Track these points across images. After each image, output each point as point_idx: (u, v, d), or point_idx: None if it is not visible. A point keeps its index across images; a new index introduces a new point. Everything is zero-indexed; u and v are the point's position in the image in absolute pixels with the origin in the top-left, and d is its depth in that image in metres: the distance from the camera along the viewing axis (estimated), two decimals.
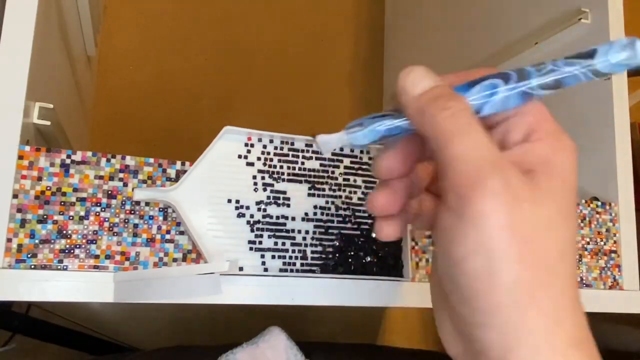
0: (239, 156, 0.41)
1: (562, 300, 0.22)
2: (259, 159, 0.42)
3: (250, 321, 0.54)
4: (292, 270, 0.41)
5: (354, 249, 0.43)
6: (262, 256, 0.41)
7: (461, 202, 0.22)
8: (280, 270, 0.41)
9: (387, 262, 0.44)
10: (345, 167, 0.44)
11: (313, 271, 0.42)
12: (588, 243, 0.51)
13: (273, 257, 0.41)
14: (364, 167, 0.45)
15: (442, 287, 0.25)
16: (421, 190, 0.29)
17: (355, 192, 0.44)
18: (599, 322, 0.87)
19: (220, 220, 0.40)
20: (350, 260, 0.43)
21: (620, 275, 0.52)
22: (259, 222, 0.41)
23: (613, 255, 0.52)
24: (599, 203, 0.53)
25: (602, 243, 0.52)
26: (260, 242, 0.41)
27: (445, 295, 0.25)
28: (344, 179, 0.44)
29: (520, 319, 0.21)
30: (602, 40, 0.59)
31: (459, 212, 0.22)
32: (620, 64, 0.23)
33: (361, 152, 0.45)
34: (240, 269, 0.40)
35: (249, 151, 0.42)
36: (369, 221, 0.44)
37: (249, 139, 0.42)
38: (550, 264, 0.22)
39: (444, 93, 0.24)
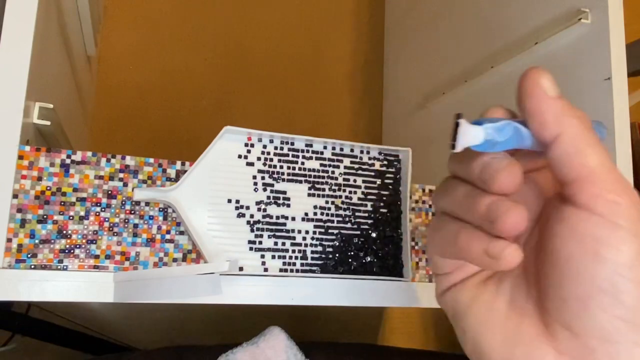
0: (239, 156, 0.41)
1: None
2: (259, 158, 0.42)
3: (250, 321, 0.54)
4: (292, 270, 0.41)
5: (354, 249, 0.43)
6: (262, 256, 0.41)
7: (606, 210, 0.21)
8: (280, 270, 0.41)
9: (387, 262, 0.44)
10: (346, 167, 0.44)
11: (313, 271, 0.42)
12: None
13: (273, 257, 0.41)
14: (364, 167, 0.45)
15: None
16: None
17: (355, 192, 0.44)
18: None
19: (220, 220, 0.40)
20: (350, 260, 0.43)
21: None
22: (259, 222, 0.41)
23: None
24: None
25: None
26: (260, 242, 0.41)
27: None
28: (344, 179, 0.44)
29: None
30: (602, 41, 0.59)
31: (611, 218, 0.21)
32: None
33: (361, 152, 0.45)
34: (240, 269, 0.40)
35: (249, 151, 0.42)
36: (369, 221, 0.44)
37: (249, 138, 0.42)
38: None
39: (569, 103, 0.22)
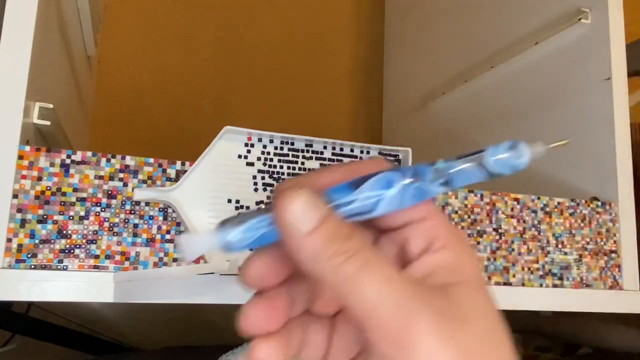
0: (239, 156, 0.41)
1: None
2: (259, 159, 0.42)
3: None
4: None
5: None
6: None
7: (397, 350, 0.19)
8: None
9: None
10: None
11: None
12: (588, 243, 0.51)
13: None
14: None
15: None
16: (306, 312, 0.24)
17: None
18: (599, 322, 0.87)
19: (220, 220, 0.40)
20: None
21: (620, 275, 0.52)
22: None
23: (613, 255, 0.52)
24: (599, 203, 0.53)
25: (602, 243, 0.52)
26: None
27: None
28: None
29: None
30: (602, 41, 0.59)
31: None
32: (505, 164, 0.22)
33: (361, 152, 0.45)
34: (240, 268, 0.40)
35: (248, 151, 0.42)
36: None
37: (249, 138, 0.42)
38: None
39: (335, 230, 0.20)
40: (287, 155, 0.43)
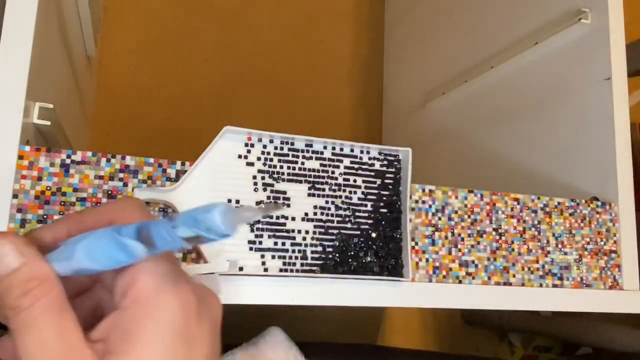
0: (239, 156, 0.41)
1: None
2: (259, 159, 0.42)
3: (250, 321, 0.54)
4: (292, 270, 0.41)
5: (354, 249, 0.43)
6: (262, 256, 0.41)
7: None
8: (280, 270, 0.41)
9: (387, 262, 0.44)
10: (345, 167, 0.44)
11: (313, 271, 0.42)
12: (588, 243, 0.51)
13: (273, 257, 0.41)
14: (364, 167, 0.45)
15: None
16: None
17: (355, 192, 0.44)
18: (599, 322, 0.87)
19: None
20: (350, 260, 0.43)
21: (620, 275, 0.52)
22: (259, 221, 0.41)
23: (613, 255, 0.52)
24: (599, 203, 0.53)
25: (602, 243, 0.52)
26: (260, 242, 0.41)
27: None
28: (344, 179, 0.44)
29: None
30: (602, 41, 0.59)
31: None
32: (188, 237, 0.20)
33: (361, 152, 0.45)
34: (240, 269, 0.40)
35: (249, 151, 0.42)
36: (369, 221, 0.44)
37: (249, 138, 0.42)
38: None
39: (21, 282, 0.21)
40: (287, 155, 0.43)
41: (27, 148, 0.37)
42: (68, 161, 0.38)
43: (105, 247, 0.21)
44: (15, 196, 0.36)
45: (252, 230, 0.41)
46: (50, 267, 0.22)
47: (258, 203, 0.41)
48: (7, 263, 0.21)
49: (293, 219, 0.42)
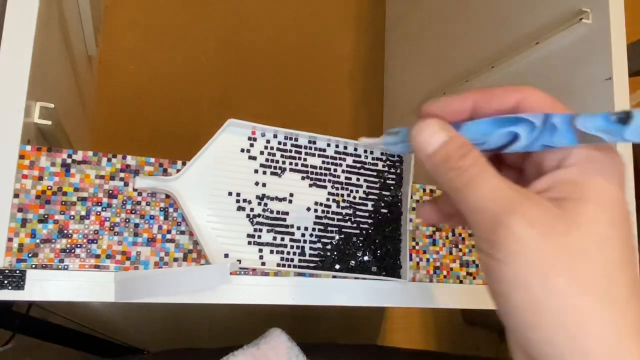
0: (242, 150, 0.41)
1: (622, 325, 0.22)
2: (261, 153, 0.42)
3: (251, 322, 0.54)
4: (289, 266, 0.41)
5: (353, 247, 0.43)
6: (260, 250, 0.41)
7: (490, 246, 0.23)
8: (278, 265, 0.41)
9: (385, 262, 0.44)
10: (348, 166, 0.44)
11: (310, 267, 0.42)
12: None
13: (271, 251, 0.41)
14: (366, 166, 0.45)
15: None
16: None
17: (356, 191, 0.44)
18: None
19: (220, 213, 0.40)
20: (348, 258, 0.43)
21: None
22: (258, 216, 0.41)
23: None
24: None
25: None
26: (259, 237, 0.41)
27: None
28: (346, 178, 0.44)
29: (576, 347, 0.21)
30: (603, 41, 0.59)
31: (492, 256, 0.23)
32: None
33: (365, 151, 0.45)
34: (239, 261, 0.40)
35: (251, 145, 0.42)
36: (369, 220, 0.44)
37: (253, 132, 0.42)
38: (599, 289, 0.22)
39: (452, 152, 0.25)
40: (290, 151, 0.43)
41: (28, 148, 0.37)
42: (69, 161, 0.38)
43: (537, 138, 0.24)
44: (16, 195, 0.36)
45: (251, 224, 0.41)
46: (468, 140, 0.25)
47: (259, 197, 0.41)
48: (438, 137, 0.25)
49: (293, 214, 0.42)
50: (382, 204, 0.45)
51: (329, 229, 0.43)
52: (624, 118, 0.21)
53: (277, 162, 0.42)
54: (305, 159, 0.43)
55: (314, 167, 0.43)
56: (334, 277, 0.42)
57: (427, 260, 0.46)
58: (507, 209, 0.23)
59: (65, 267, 0.36)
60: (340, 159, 0.44)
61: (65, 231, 0.37)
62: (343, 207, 0.44)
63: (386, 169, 0.46)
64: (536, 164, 0.26)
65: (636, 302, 0.22)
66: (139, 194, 0.39)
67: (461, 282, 0.46)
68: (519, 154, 0.27)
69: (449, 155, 0.25)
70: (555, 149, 0.24)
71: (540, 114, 0.24)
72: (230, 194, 0.40)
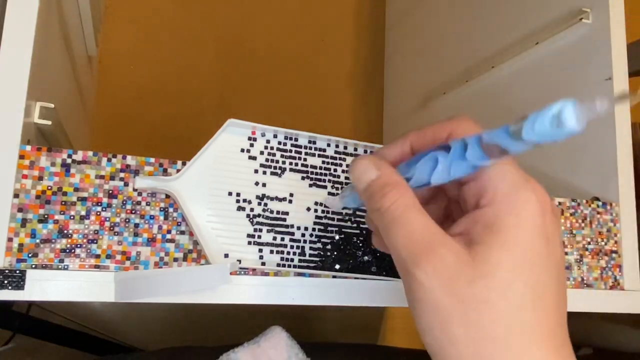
0: (242, 150, 0.41)
1: None
2: (261, 153, 0.42)
3: (251, 321, 0.54)
4: (289, 266, 0.41)
5: (353, 247, 0.43)
6: (260, 250, 0.41)
7: (405, 287, 0.25)
8: (278, 265, 0.41)
9: (385, 261, 0.44)
10: (348, 166, 0.44)
11: (310, 267, 0.42)
12: (589, 243, 0.51)
13: (271, 252, 0.41)
14: None
15: None
16: None
17: None
18: (599, 322, 0.87)
19: (220, 213, 0.40)
20: (348, 258, 0.43)
21: (621, 275, 0.52)
22: (258, 216, 0.41)
23: (614, 255, 0.52)
24: (600, 203, 0.53)
25: (603, 243, 0.52)
26: (259, 237, 0.41)
27: None
28: (346, 177, 0.44)
29: None
30: (603, 41, 0.59)
31: (408, 289, 0.25)
32: (546, 135, 0.20)
33: (365, 151, 0.45)
34: (239, 261, 0.40)
35: (251, 145, 0.42)
36: None
37: (253, 132, 0.42)
38: (499, 338, 0.22)
39: (376, 191, 0.26)
40: (290, 151, 0.43)
41: (28, 148, 0.37)
42: (69, 161, 0.38)
43: (454, 160, 0.24)
44: (16, 195, 0.36)
45: (251, 224, 0.41)
46: (401, 177, 0.26)
47: (259, 197, 0.41)
48: (368, 175, 0.26)
49: (293, 214, 0.42)
50: None
51: (329, 229, 0.43)
52: (518, 130, 0.21)
53: (277, 162, 0.42)
54: (305, 159, 0.43)
55: (314, 167, 0.43)
56: (334, 277, 0.42)
57: None
58: (416, 258, 0.23)
59: (65, 267, 0.36)
60: (340, 159, 0.44)
61: (65, 231, 0.37)
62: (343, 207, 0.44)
63: None
64: (464, 201, 0.26)
65: (543, 344, 0.22)
66: (139, 194, 0.39)
67: None
68: (456, 188, 0.27)
69: (372, 194, 0.26)
70: (473, 187, 0.25)
71: (457, 139, 0.24)
72: (230, 194, 0.40)
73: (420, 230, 0.24)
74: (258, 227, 0.41)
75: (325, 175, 0.44)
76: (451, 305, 0.23)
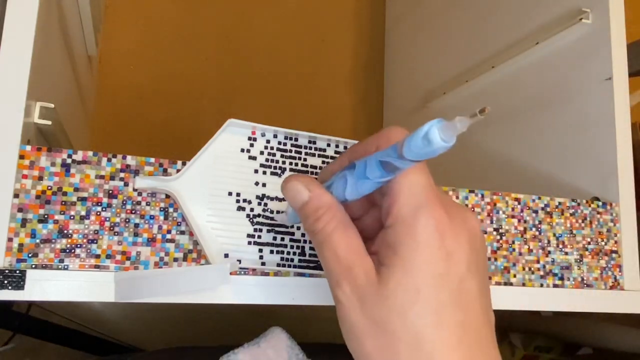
0: (242, 150, 0.41)
1: None
2: (261, 153, 0.42)
3: (251, 321, 0.54)
4: (289, 266, 0.41)
5: None
6: (260, 250, 0.41)
7: (333, 299, 0.26)
8: (278, 265, 0.41)
9: None
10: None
11: (310, 267, 0.42)
12: (589, 243, 0.51)
13: (271, 252, 0.41)
14: None
15: None
16: None
17: None
18: (599, 322, 0.87)
19: (220, 213, 0.40)
20: None
21: (621, 275, 0.52)
22: (258, 216, 0.41)
23: (614, 255, 0.52)
24: (600, 203, 0.53)
25: (603, 243, 0.52)
26: (260, 237, 0.41)
27: None
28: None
29: None
30: (603, 40, 0.59)
31: (335, 306, 0.26)
32: (421, 153, 0.22)
33: None
34: (239, 261, 0.40)
35: (251, 145, 0.42)
36: None
37: (253, 132, 0.42)
38: (399, 357, 0.24)
39: (309, 214, 0.27)
40: (290, 151, 0.43)
41: (28, 148, 0.37)
42: (69, 161, 0.38)
43: (359, 178, 0.26)
44: (16, 195, 0.36)
45: (251, 224, 0.41)
46: (331, 196, 0.27)
47: (259, 197, 0.41)
48: (300, 197, 0.27)
49: (293, 214, 0.42)
50: None
51: None
52: (400, 149, 0.23)
53: (277, 162, 0.42)
54: (305, 159, 0.43)
55: (314, 167, 0.43)
56: None
57: None
58: (337, 278, 0.25)
59: (65, 267, 0.36)
60: None
61: (65, 231, 0.37)
62: None
63: None
64: (383, 215, 0.27)
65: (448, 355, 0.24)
66: (139, 194, 0.39)
67: None
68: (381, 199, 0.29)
69: (305, 216, 0.27)
70: (384, 202, 0.26)
71: (360, 159, 0.26)
72: (230, 194, 0.40)
73: (342, 251, 0.25)
74: (258, 227, 0.41)
75: None
76: (363, 325, 0.24)
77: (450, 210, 0.25)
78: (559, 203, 0.51)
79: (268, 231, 0.41)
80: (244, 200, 0.41)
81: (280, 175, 0.42)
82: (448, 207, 0.25)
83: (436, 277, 0.24)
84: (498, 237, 0.48)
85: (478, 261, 0.26)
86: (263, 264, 0.40)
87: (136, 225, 0.38)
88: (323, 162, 0.44)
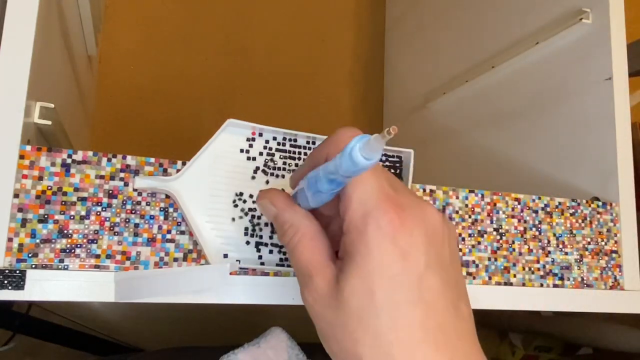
0: (241, 150, 0.41)
1: None
2: (260, 153, 0.42)
3: (251, 322, 0.54)
4: (289, 266, 0.41)
5: None
6: (259, 250, 0.41)
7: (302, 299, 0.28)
8: (277, 264, 0.41)
9: None
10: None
11: None
12: (589, 243, 0.51)
13: (270, 251, 0.41)
14: None
15: None
16: None
17: None
18: (599, 322, 0.87)
19: (219, 213, 0.40)
20: None
21: (621, 275, 0.52)
22: (258, 216, 0.41)
23: (614, 255, 0.52)
24: (600, 203, 0.53)
25: (603, 243, 0.52)
26: (260, 237, 0.41)
27: None
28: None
29: None
30: (603, 40, 0.59)
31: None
32: (354, 171, 0.23)
33: None
34: (238, 261, 0.40)
35: (250, 145, 0.42)
36: None
37: (252, 133, 0.42)
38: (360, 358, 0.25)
39: (280, 224, 0.29)
40: (289, 151, 0.43)
41: (28, 148, 0.37)
42: (69, 161, 0.38)
43: (314, 191, 0.27)
44: (16, 195, 0.36)
45: (251, 224, 0.41)
46: (298, 208, 0.29)
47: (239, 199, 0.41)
48: (268, 213, 0.30)
49: None
50: None
51: None
52: (336, 165, 0.24)
53: (276, 162, 0.42)
54: (304, 160, 0.43)
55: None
56: None
57: None
58: (304, 284, 0.27)
59: (65, 267, 0.36)
60: None
61: (65, 231, 0.37)
62: None
63: (385, 169, 0.46)
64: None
65: None
66: (139, 194, 0.39)
67: None
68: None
69: (277, 228, 0.29)
70: (341, 208, 0.27)
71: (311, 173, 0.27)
72: (229, 194, 0.40)
73: (304, 262, 0.27)
74: (258, 227, 0.41)
75: None
76: (326, 328, 0.26)
77: (405, 209, 0.25)
78: (559, 203, 0.51)
79: (267, 231, 0.41)
80: (244, 201, 0.41)
81: (279, 176, 0.42)
82: (402, 206, 0.25)
83: (391, 278, 0.24)
84: (498, 237, 0.48)
85: (440, 255, 0.25)
86: (262, 263, 0.40)
87: (136, 225, 0.38)
88: None
